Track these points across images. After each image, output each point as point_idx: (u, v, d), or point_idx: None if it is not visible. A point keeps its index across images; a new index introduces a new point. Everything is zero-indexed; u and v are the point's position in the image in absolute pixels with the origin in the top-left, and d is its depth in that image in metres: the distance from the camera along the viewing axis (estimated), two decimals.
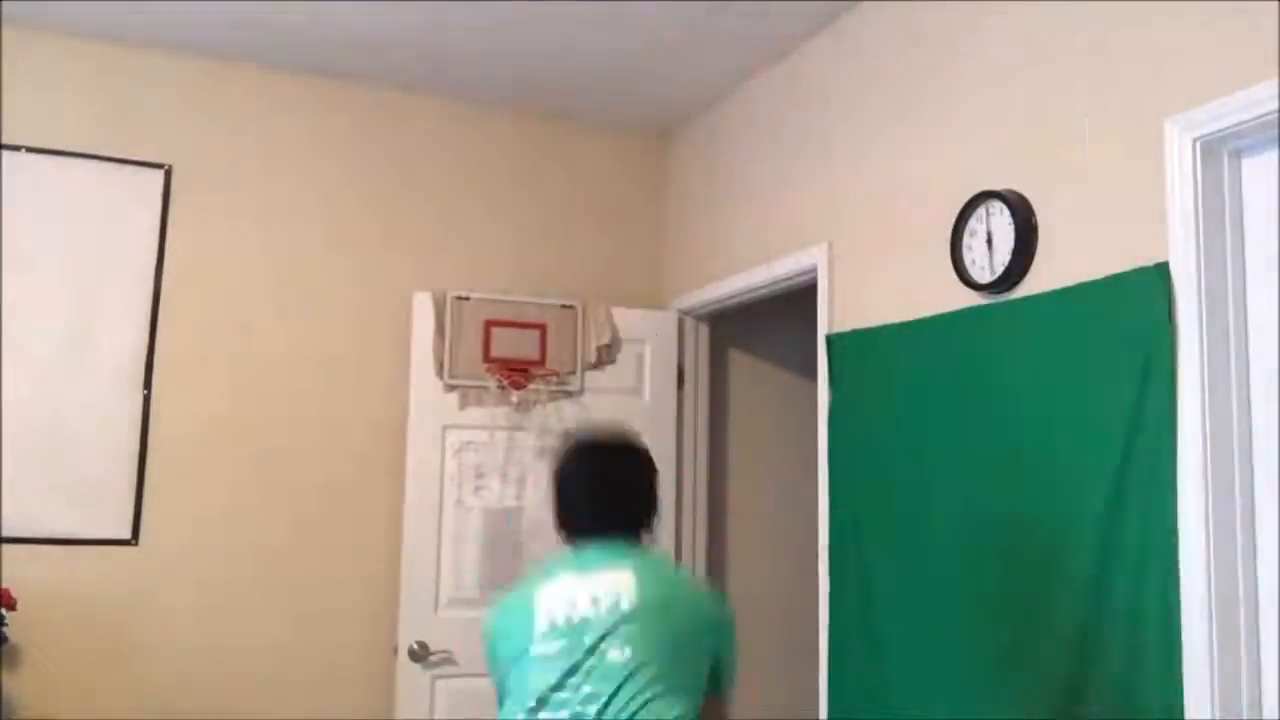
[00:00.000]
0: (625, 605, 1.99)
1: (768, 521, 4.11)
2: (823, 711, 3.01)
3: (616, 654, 1.96)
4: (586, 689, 1.95)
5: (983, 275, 2.60)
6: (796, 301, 3.51)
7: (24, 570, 3.19)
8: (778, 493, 4.12)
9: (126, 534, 3.37)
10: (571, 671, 1.97)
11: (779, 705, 3.97)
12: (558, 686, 1.96)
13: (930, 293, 2.76)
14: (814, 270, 3.24)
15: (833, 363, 3.11)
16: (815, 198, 3.29)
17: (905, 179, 2.91)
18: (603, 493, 2.20)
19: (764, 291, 3.57)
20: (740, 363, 4.20)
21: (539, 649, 2.00)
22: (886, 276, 2.95)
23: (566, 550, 2.17)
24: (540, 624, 2.01)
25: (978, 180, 2.63)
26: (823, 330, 3.16)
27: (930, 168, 2.82)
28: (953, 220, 2.69)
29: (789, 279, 3.41)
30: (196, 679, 3.36)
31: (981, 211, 2.61)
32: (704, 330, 4.04)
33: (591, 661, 1.96)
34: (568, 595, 2.02)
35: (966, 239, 2.66)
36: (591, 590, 2.02)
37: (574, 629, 1.99)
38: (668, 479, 3.82)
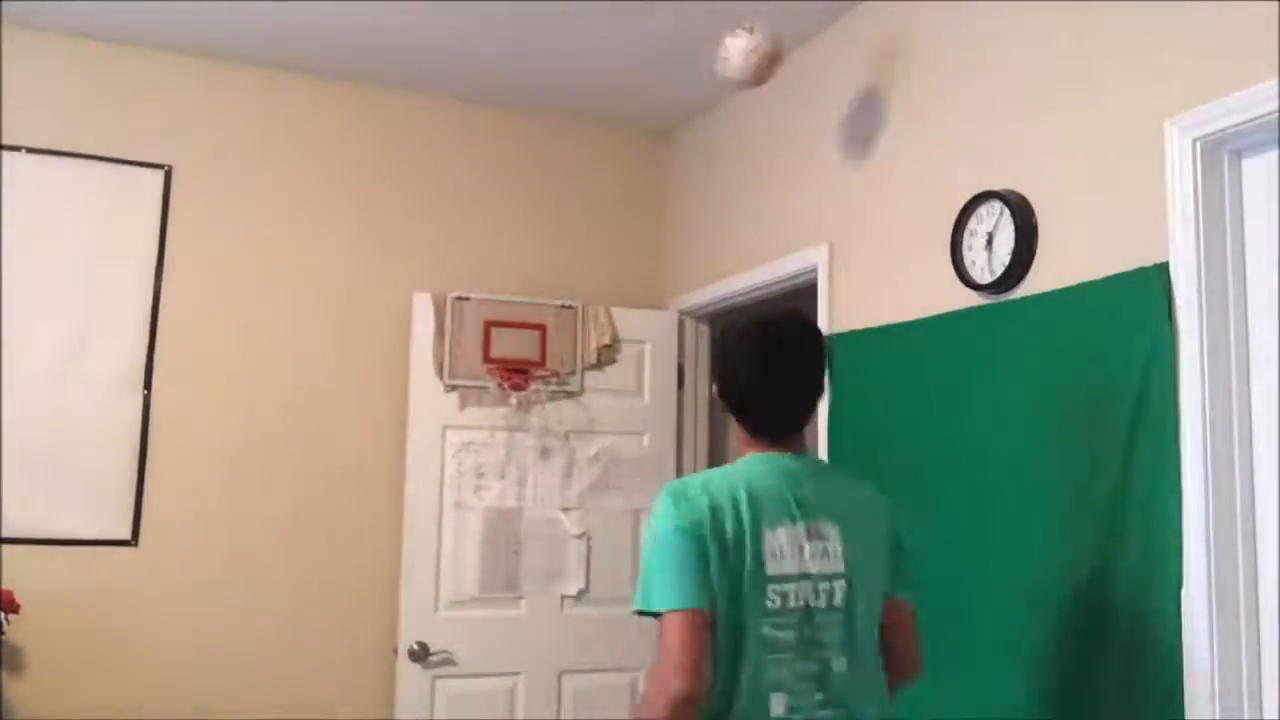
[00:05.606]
0: (838, 599, 1.88)
1: None
2: None
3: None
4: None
5: (983, 275, 2.60)
6: (796, 301, 3.50)
7: (24, 571, 3.19)
8: None
9: (126, 534, 3.37)
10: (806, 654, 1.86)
11: None
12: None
13: (930, 293, 2.76)
14: (814, 270, 3.23)
15: (832, 363, 3.10)
16: (815, 198, 3.29)
17: (905, 179, 2.91)
18: (787, 387, 1.97)
19: (764, 292, 3.57)
20: None
21: (769, 621, 1.83)
22: (886, 277, 2.95)
23: (758, 460, 1.95)
24: (771, 596, 1.83)
25: (978, 180, 2.63)
26: (823, 330, 3.16)
27: (930, 168, 2.82)
28: (953, 220, 2.68)
29: (789, 279, 3.40)
30: (196, 679, 3.36)
31: (981, 211, 2.61)
32: (704, 330, 4.04)
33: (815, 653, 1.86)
34: (794, 566, 1.85)
35: (966, 239, 2.66)
36: (813, 565, 1.87)
37: (802, 615, 1.85)
38: (667, 476, 3.83)
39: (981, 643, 2.48)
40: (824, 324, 3.16)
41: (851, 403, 3.03)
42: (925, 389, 2.74)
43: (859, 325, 3.02)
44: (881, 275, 2.98)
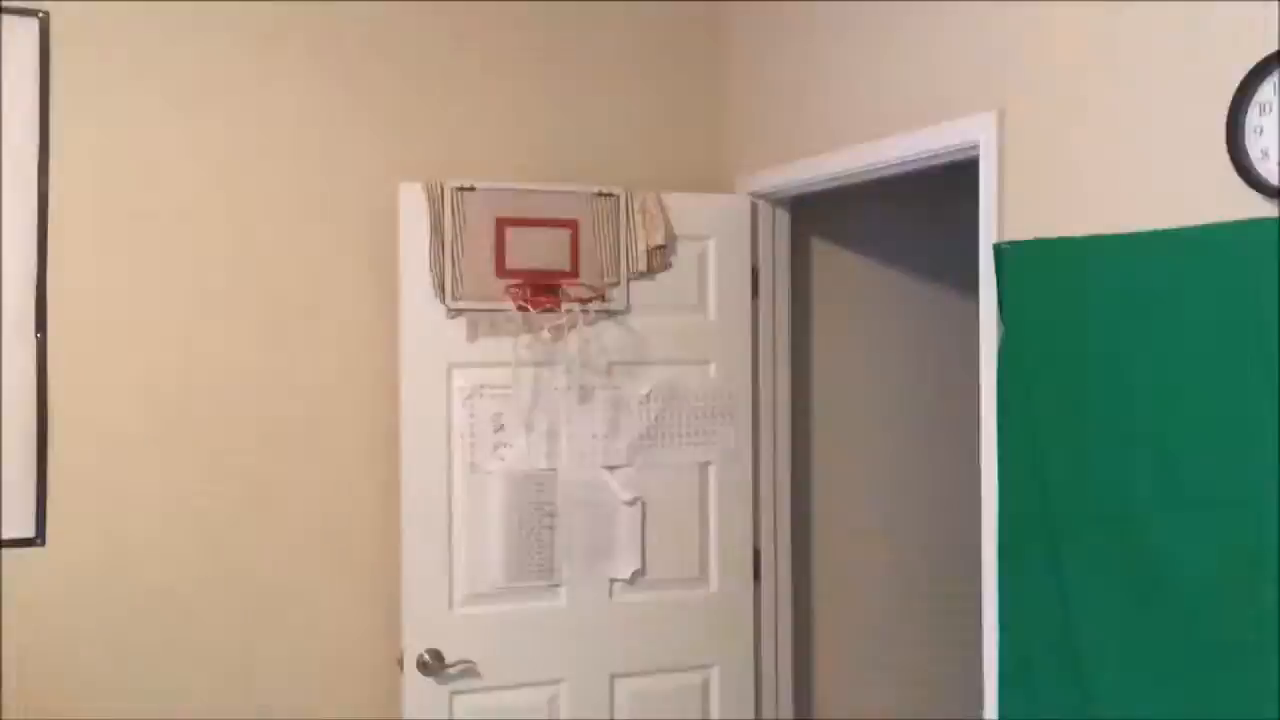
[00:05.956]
0: None
1: (869, 474, 3.25)
2: None
3: None
4: None
5: (1275, 174, 1.72)
6: (944, 193, 2.61)
7: None
8: (885, 439, 3.27)
9: (29, 531, 2.50)
10: None
11: (871, 699, 3.24)
12: None
13: (1185, 193, 1.86)
14: (971, 148, 2.29)
15: (1005, 283, 2.19)
16: (976, 39, 2.30)
17: (1144, 20, 1.93)
18: None
19: (884, 172, 2.62)
20: (833, 261, 3.25)
21: None
22: (1103, 163, 2.01)
23: None
24: None
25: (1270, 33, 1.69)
26: (988, 235, 2.24)
27: (1191, 7, 1.84)
28: (1230, 89, 1.76)
29: (928, 157, 2.46)
30: (132, 712, 2.54)
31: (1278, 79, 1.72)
32: (783, 219, 3.09)
33: None
34: None
35: (1253, 118, 1.76)
36: None
37: None
38: (742, 417, 2.97)
39: (1203, 644, 1.83)
40: (989, 227, 2.24)
41: (1038, 342, 2.13)
42: (1160, 337, 1.88)
43: (1048, 232, 2.11)
44: (1094, 160, 2.04)
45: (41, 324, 2.51)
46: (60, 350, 2.52)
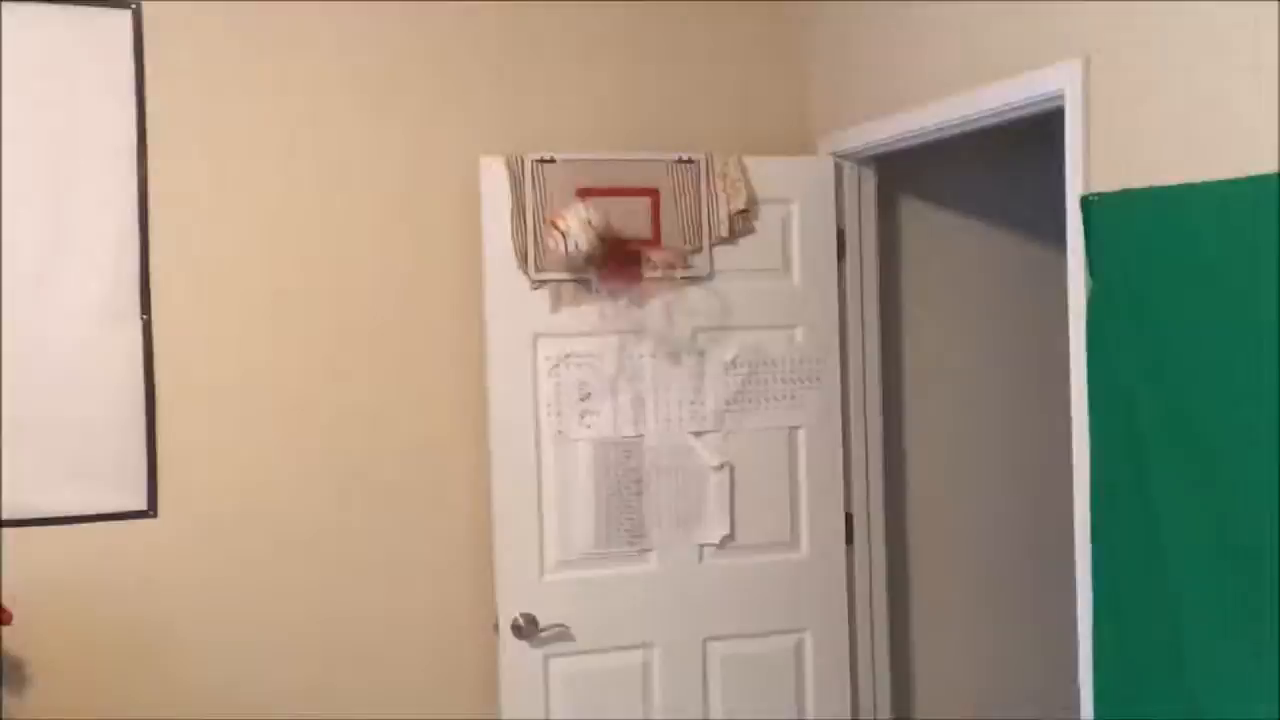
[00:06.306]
0: None
1: (963, 436, 3.19)
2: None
3: None
4: None
5: None
6: (1017, 133, 2.53)
7: (14, 560, 2.48)
8: (979, 399, 3.20)
9: (141, 503, 2.62)
10: None
11: (968, 661, 3.19)
12: None
13: (1276, 141, 1.73)
14: (1055, 98, 2.20)
15: (1093, 235, 2.11)
16: None
17: None
18: None
19: (965, 128, 2.54)
20: (921, 219, 3.18)
21: None
22: (1193, 110, 1.91)
23: None
24: None
25: None
26: (1074, 187, 2.16)
27: None
28: None
29: (1008, 110, 2.37)
30: (244, 677, 2.66)
31: None
32: (868, 178, 3.03)
33: None
34: None
35: None
36: None
37: None
38: (829, 381, 2.93)
39: None
40: (1076, 178, 2.16)
41: (1125, 300, 2.04)
42: (1249, 285, 1.75)
43: (1135, 183, 2.01)
44: (1181, 107, 1.93)
45: (146, 306, 2.62)
46: (163, 329, 2.63)
